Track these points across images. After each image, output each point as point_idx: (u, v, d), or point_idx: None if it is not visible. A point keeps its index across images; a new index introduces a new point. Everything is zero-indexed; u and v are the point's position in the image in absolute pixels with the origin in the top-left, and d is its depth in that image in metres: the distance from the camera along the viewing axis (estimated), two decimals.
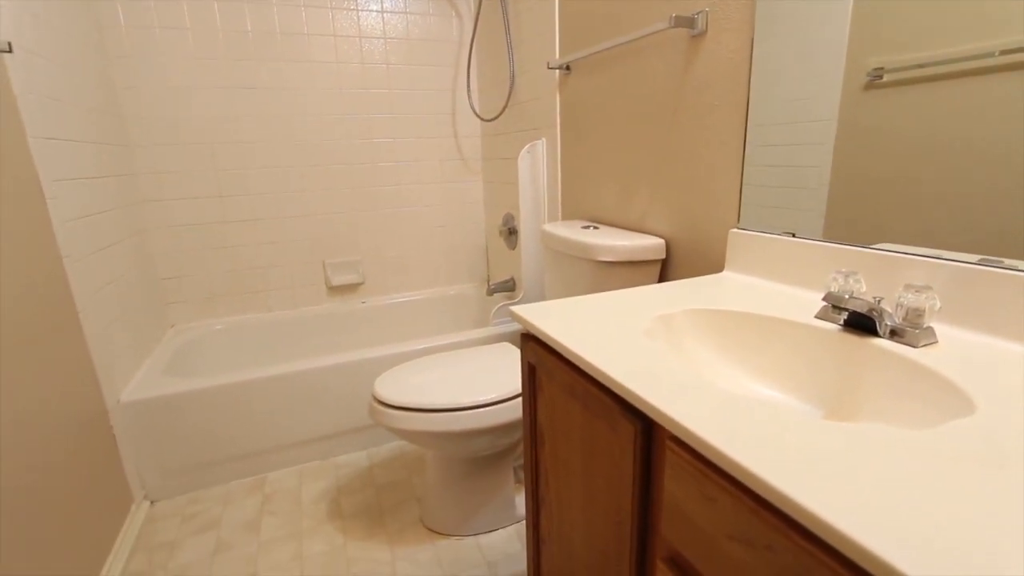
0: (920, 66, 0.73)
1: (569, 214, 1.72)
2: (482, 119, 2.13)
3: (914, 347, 0.65)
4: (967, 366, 0.60)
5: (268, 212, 2.08)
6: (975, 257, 0.70)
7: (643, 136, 1.32)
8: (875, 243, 0.82)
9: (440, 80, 2.24)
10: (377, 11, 2.07)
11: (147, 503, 1.54)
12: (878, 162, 0.80)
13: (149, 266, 1.88)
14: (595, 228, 1.41)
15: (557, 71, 1.65)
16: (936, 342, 0.67)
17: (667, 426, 0.51)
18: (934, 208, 0.74)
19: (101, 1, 1.72)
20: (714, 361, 0.81)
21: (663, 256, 1.25)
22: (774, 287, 0.95)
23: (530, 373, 0.87)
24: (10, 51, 1.02)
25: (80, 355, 1.29)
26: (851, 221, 0.85)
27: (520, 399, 1.28)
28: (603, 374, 0.62)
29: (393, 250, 2.33)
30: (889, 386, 0.64)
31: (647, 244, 1.22)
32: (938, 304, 0.67)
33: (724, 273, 1.07)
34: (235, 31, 1.90)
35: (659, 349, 0.68)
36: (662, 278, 1.29)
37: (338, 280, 2.24)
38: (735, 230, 1.05)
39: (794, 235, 0.94)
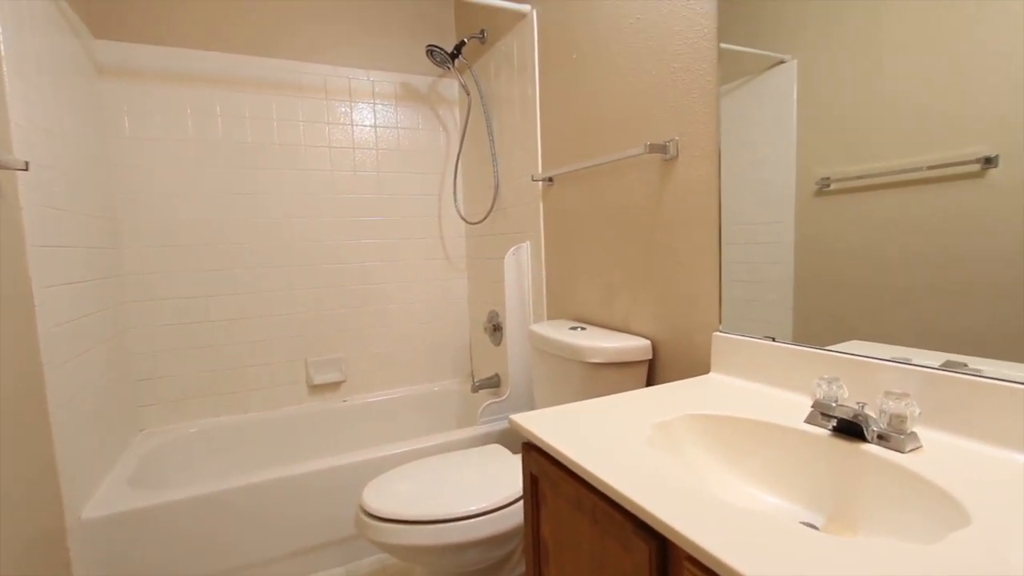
0: (860, 177, 0.85)
1: (555, 313, 1.78)
2: (468, 222, 2.24)
3: (901, 452, 0.69)
4: (954, 472, 0.63)
5: (252, 311, 2.08)
6: (939, 359, 0.77)
7: (625, 242, 1.42)
8: (844, 340, 0.89)
9: (427, 186, 2.38)
10: (370, 126, 2.24)
11: None
12: (833, 261, 0.90)
13: (125, 367, 1.83)
14: (582, 329, 1.46)
15: (540, 182, 1.78)
16: (921, 447, 0.71)
17: (688, 549, 0.52)
18: (889, 306, 0.83)
19: (109, 114, 1.83)
20: (716, 469, 0.83)
21: (650, 357, 1.30)
22: (760, 389, 0.99)
23: (532, 484, 0.86)
24: (26, 170, 1.06)
25: (46, 468, 1.21)
26: (817, 316, 0.93)
27: (515, 506, 1.25)
28: (617, 492, 0.62)
29: (377, 347, 2.33)
30: (884, 493, 0.67)
31: (634, 345, 1.27)
32: (917, 410, 0.72)
33: (711, 375, 1.11)
34: (235, 142, 2.01)
35: (664, 460, 0.70)
36: (649, 378, 1.33)
37: (320, 378, 2.20)
38: (718, 333, 1.11)
39: (774, 339, 1.01)
